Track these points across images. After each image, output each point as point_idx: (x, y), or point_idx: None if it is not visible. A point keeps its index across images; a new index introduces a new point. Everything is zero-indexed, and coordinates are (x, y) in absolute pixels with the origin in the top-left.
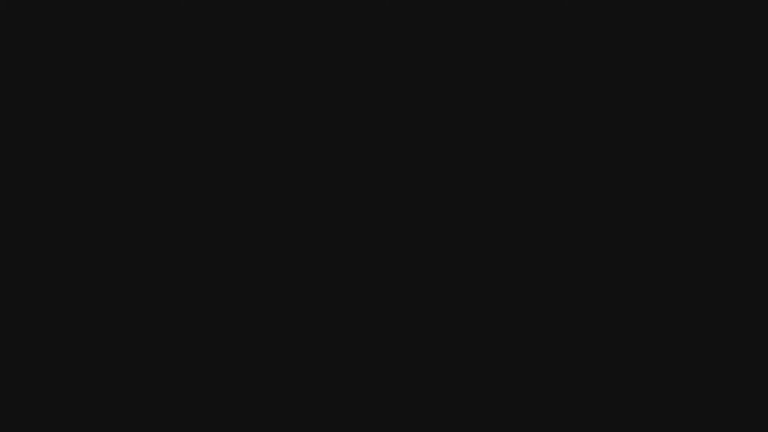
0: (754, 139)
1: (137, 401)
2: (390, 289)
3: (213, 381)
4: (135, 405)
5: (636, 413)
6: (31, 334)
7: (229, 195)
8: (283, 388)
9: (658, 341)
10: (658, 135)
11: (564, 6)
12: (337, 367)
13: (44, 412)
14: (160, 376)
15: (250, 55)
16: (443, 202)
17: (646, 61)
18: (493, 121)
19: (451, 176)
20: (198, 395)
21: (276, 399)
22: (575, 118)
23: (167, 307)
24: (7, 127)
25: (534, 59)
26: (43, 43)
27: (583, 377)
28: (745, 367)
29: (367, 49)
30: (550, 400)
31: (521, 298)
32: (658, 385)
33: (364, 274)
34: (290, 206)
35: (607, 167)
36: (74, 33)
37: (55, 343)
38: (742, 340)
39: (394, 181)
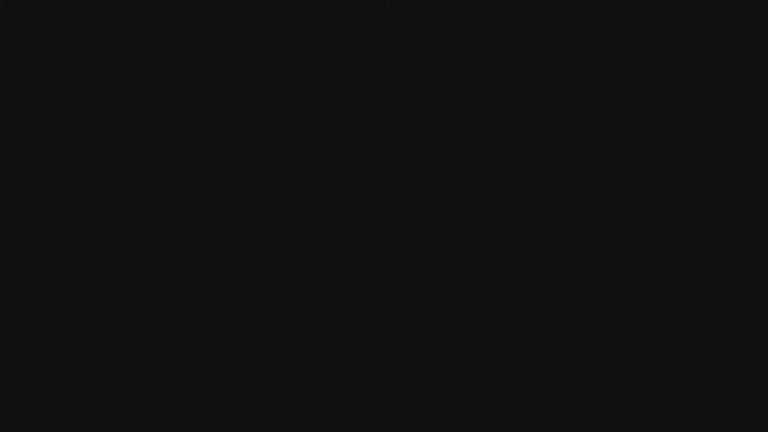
0: (754, 139)
1: (137, 401)
2: (390, 289)
3: (213, 381)
4: (135, 405)
5: (636, 413)
6: (31, 334)
7: (229, 195)
8: (283, 388)
9: (658, 341)
10: (658, 135)
11: (564, 6)
12: (337, 367)
13: (44, 412)
14: (160, 376)
15: (251, 55)
16: (443, 202)
17: (646, 61)
18: (493, 120)
19: (450, 176)
20: (198, 395)
21: (276, 399)
22: (575, 118)
23: (167, 306)
24: (7, 127)
25: (534, 59)
26: (43, 43)
27: (583, 377)
28: (745, 367)
29: (367, 49)
30: (550, 400)
31: (521, 297)
32: (658, 385)
33: (364, 274)
34: (290, 206)
35: (607, 167)
36: (74, 33)
37: (55, 342)
38: (742, 340)
39: (394, 181)
